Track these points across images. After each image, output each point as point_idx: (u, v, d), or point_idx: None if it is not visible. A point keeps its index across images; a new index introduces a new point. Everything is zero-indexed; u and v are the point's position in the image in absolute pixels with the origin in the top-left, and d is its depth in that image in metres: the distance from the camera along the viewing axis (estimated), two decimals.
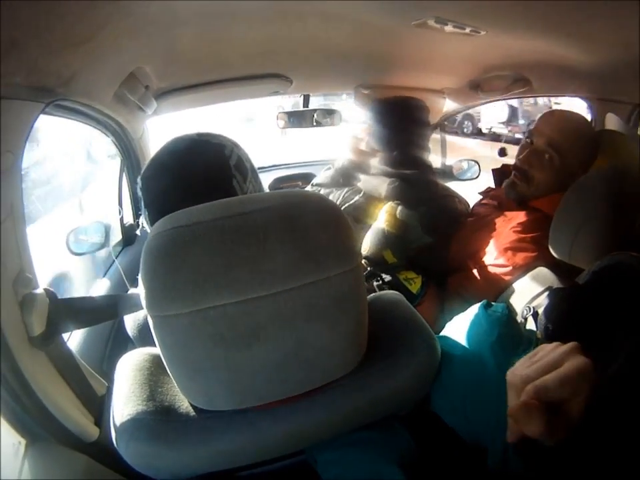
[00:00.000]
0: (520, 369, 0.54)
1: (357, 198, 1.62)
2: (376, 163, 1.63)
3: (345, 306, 0.63)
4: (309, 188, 1.71)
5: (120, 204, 1.85)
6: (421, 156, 1.64)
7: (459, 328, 0.86)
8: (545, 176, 1.41)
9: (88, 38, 0.86)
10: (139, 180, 0.83)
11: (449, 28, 1.17)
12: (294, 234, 0.58)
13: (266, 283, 0.57)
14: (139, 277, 0.59)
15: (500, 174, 1.65)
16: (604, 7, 0.94)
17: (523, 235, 1.37)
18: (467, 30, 1.19)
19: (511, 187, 1.50)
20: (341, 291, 0.61)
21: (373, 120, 1.68)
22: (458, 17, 1.12)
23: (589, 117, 1.82)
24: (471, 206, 1.80)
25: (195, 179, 0.77)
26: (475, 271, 1.42)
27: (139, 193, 0.82)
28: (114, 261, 1.74)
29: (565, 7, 0.99)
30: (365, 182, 1.65)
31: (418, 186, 1.53)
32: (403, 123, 1.63)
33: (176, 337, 0.59)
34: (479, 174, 2.39)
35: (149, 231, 0.86)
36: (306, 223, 0.59)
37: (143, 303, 0.59)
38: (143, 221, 0.85)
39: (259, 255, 0.57)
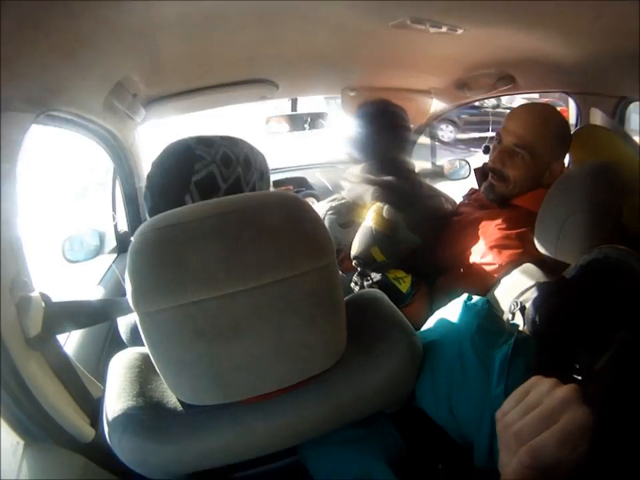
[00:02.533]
0: (511, 415, 0.50)
1: (342, 205, 1.63)
2: (357, 171, 1.63)
3: (321, 300, 0.65)
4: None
5: (113, 211, 1.86)
6: (401, 160, 1.65)
7: (439, 321, 0.88)
8: (519, 173, 1.40)
9: (73, 51, 0.89)
10: (145, 181, 0.85)
11: (425, 27, 1.19)
12: (266, 232, 0.62)
13: (241, 278, 0.60)
14: (126, 277, 0.62)
15: (482, 174, 1.59)
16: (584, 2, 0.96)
17: (508, 232, 1.36)
18: (444, 29, 1.21)
19: (489, 189, 1.48)
20: (315, 287, 0.64)
21: (351, 129, 1.69)
22: (433, 16, 1.14)
23: (573, 112, 1.84)
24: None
25: (160, 184, 0.81)
26: (462, 270, 1.43)
27: (145, 191, 0.85)
28: (109, 267, 1.76)
29: (541, 3, 1.01)
30: (348, 191, 1.64)
31: (400, 191, 1.54)
32: (380, 129, 1.62)
33: (160, 332, 0.62)
34: (469, 173, 2.39)
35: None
36: (278, 222, 0.63)
37: (130, 301, 0.62)
38: (147, 217, 0.87)
39: (234, 252, 0.60)
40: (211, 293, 0.60)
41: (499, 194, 1.46)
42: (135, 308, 0.61)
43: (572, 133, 1.53)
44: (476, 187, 1.67)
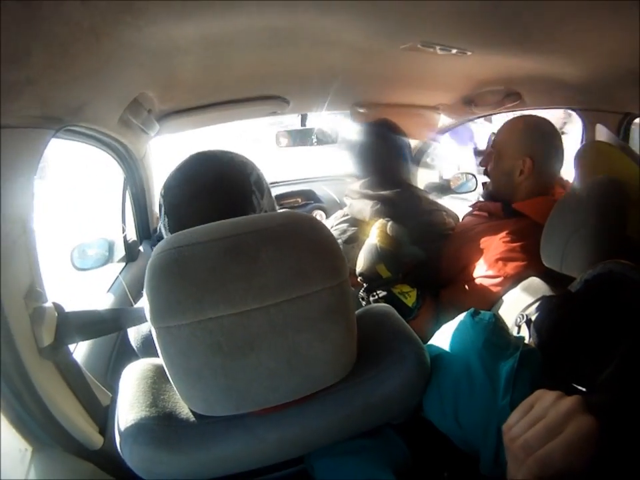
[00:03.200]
0: (517, 428, 0.51)
1: (345, 221, 1.66)
2: (357, 187, 1.67)
3: (334, 317, 0.67)
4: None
5: (123, 221, 1.89)
6: (400, 176, 1.70)
7: (446, 336, 0.88)
8: (492, 167, 1.59)
9: (94, 71, 0.92)
10: (161, 189, 0.87)
11: (435, 51, 1.22)
12: (283, 252, 0.64)
13: (258, 296, 0.62)
14: (144, 292, 0.64)
15: None
16: (586, 20, 0.98)
17: (513, 245, 1.39)
18: (454, 51, 1.24)
19: (483, 187, 1.68)
20: (329, 304, 0.66)
21: (350, 146, 1.75)
22: (443, 40, 1.17)
23: (579, 129, 1.86)
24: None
25: (218, 192, 0.82)
26: (467, 283, 1.44)
27: (160, 201, 0.86)
28: (117, 276, 1.78)
29: (547, 24, 1.04)
30: (350, 207, 1.69)
31: (398, 205, 1.58)
32: (377, 147, 1.69)
33: (178, 346, 0.64)
34: (476, 187, 2.42)
35: (165, 237, 0.90)
36: (295, 243, 0.65)
37: (148, 315, 0.64)
38: (161, 227, 0.89)
39: (252, 271, 0.62)
40: (229, 310, 0.62)
41: (488, 191, 1.64)
42: (153, 322, 0.63)
43: (577, 149, 1.56)
44: (482, 198, 1.74)
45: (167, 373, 0.68)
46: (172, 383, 0.69)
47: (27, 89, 0.75)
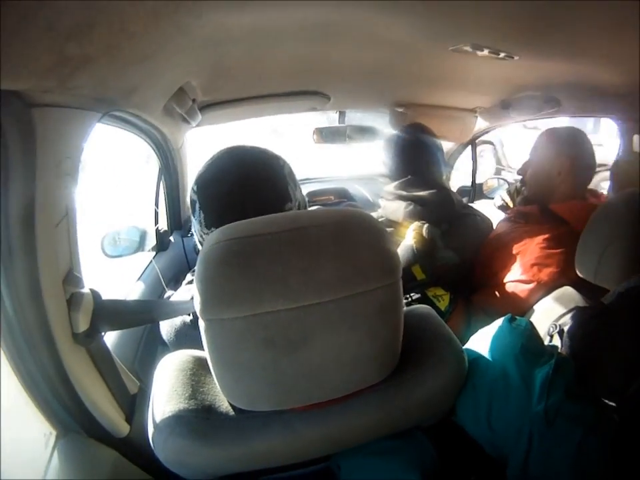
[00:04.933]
0: None
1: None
2: (391, 188, 1.68)
3: (386, 316, 0.67)
4: None
5: (156, 210, 1.92)
6: (434, 178, 1.70)
7: (483, 340, 0.88)
8: (534, 175, 1.63)
9: (150, 55, 0.92)
10: (193, 184, 0.88)
11: (484, 53, 1.21)
12: (344, 249, 0.63)
13: (317, 291, 0.61)
14: (194, 283, 0.64)
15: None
16: (630, 31, 0.96)
17: (549, 251, 1.38)
18: (502, 55, 1.23)
19: (518, 194, 1.75)
20: (383, 302, 0.66)
21: (387, 149, 1.76)
22: (493, 43, 1.16)
23: (616, 139, 1.84)
24: (495, 224, 1.82)
25: (256, 184, 0.83)
26: (500, 288, 1.43)
27: (193, 197, 0.87)
28: (148, 264, 1.80)
29: (594, 33, 1.04)
30: (383, 208, 1.70)
31: (433, 207, 1.58)
32: (412, 150, 1.71)
33: (229, 339, 0.63)
34: None
35: (195, 233, 0.91)
36: (356, 240, 0.64)
37: (197, 307, 0.63)
38: (194, 224, 0.90)
39: (313, 266, 0.61)
40: (287, 305, 0.61)
41: (524, 197, 1.68)
42: (204, 314, 0.62)
43: (614, 159, 1.58)
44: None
45: (211, 365, 0.67)
46: (214, 376, 0.68)
47: (85, 67, 0.75)
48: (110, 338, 1.31)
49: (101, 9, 0.65)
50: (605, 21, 0.95)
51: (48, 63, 0.66)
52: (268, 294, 0.60)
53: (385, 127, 2.22)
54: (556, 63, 1.36)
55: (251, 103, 1.82)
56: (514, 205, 1.88)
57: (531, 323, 0.87)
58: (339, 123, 2.36)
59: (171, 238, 1.97)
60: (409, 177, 1.66)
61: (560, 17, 0.96)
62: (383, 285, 0.65)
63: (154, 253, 1.91)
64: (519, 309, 1.32)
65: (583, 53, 1.23)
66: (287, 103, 1.88)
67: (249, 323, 0.61)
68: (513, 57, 1.26)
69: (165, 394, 0.74)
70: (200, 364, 0.78)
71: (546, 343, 1.04)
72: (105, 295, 0.96)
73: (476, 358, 0.86)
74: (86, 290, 0.92)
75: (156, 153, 1.81)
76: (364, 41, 1.22)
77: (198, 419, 0.71)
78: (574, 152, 1.52)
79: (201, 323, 0.64)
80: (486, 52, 1.21)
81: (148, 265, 1.81)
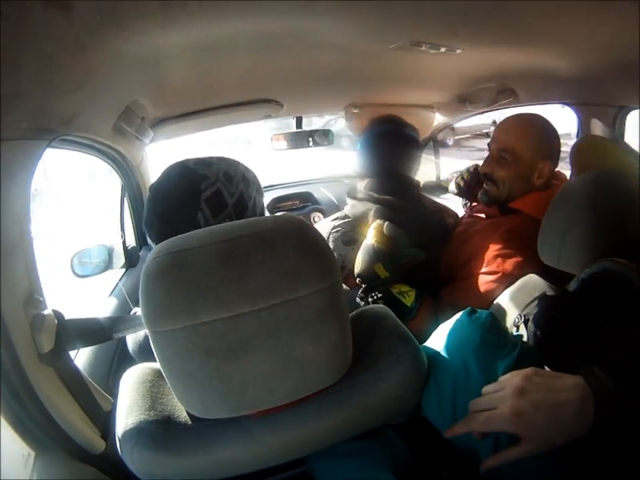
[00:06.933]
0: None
1: (345, 223, 1.64)
2: (361, 187, 1.65)
3: (326, 320, 0.68)
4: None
5: (122, 227, 1.89)
6: (405, 177, 1.67)
7: (444, 335, 0.89)
8: (506, 174, 1.47)
9: (84, 82, 0.92)
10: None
11: (424, 49, 1.22)
12: (273, 256, 0.64)
13: (250, 299, 0.63)
14: (139, 297, 0.65)
15: (477, 182, 1.73)
16: (576, 14, 0.98)
17: (511, 241, 1.38)
18: (443, 50, 1.24)
19: (484, 194, 1.56)
20: (320, 307, 0.67)
21: (359, 147, 1.73)
22: (431, 39, 1.18)
23: (575, 124, 1.86)
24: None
25: (167, 206, 0.85)
26: (466, 281, 1.44)
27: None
28: (118, 282, 1.78)
29: (535, 19, 1.04)
30: (352, 207, 1.67)
31: (401, 208, 1.56)
32: (389, 147, 1.66)
33: (173, 350, 0.65)
34: None
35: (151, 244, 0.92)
36: (284, 247, 0.65)
37: (143, 320, 0.65)
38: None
39: (243, 275, 0.63)
40: (222, 314, 0.63)
41: (493, 196, 1.53)
42: (149, 326, 0.64)
43: (573, 143, 1.56)
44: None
45: (165, 376, 0.69)
46: (170, 386, 0.70)
47: (18, 103, 0.76)
48: (82, 356, 1.32)
49: (22, 51, 0.67)
50: (543, 7, 0.95)
51: None
52: (202, 305, 0.62)
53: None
54: (504, 53, 1.37)
55: (205, 115, 1.82)
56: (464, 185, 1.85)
57: (493, 315, 0.88)
58: (296, 128, 2.35)
59: (140, 254, 1.96)
60: (379, 176, 1.63)
61: (494, 8, 0.97)
62: (315, 289, 0.66)
63: (124, 270, 1.89)
64: (485, 301, 1.31)
65: (527, 42, 1.24)
66: (241, 112, 1.88)
67: (189, 333, 0.63)
68: (455, 51, 1.28)
69: (127, 407, 0.76)
70: (159, 376, 0.81)
71: (514, 333, 1.06)
72: (84, 314, 0.97)
73: (436, 353, 0.87)
74: (48, 311, 0.92)
75: (116, 170, 1.79)
76: (309, 47, 1.23)
77: (159, 429, 0.73)
78: (555, 151, 1.48)
79: (149, 335, 0.66)
80: (426, 48, 1.22)
81: (118, 282, 1.79)
